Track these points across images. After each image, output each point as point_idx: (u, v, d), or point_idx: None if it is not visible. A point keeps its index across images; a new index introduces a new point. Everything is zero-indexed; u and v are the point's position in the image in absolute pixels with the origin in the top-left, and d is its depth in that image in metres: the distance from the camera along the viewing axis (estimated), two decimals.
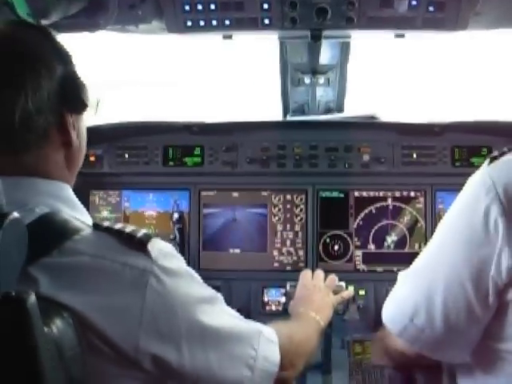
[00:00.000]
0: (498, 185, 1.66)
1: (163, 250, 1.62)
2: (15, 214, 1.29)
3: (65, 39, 1.78)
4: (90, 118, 1.96)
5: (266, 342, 1.83)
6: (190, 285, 1.67)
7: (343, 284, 2.95)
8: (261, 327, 1.87)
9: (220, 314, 1.74)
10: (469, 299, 1.73)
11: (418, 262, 1.92)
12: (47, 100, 1.63)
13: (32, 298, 1.25)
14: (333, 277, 2.88)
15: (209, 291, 1.74)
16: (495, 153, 1.76)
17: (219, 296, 1.78)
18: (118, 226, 1.61)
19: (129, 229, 1.60)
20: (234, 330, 1.75)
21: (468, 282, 1.72)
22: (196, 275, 1.72)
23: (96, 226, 1.60)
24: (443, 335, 1.81)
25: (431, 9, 2.64)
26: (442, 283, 1.77)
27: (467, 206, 1.77)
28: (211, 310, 1.70)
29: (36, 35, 1.72)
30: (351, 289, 3.13)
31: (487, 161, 1.76)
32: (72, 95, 1.70)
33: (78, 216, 1.65)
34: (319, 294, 2.70)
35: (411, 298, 1.87)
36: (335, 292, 2.82)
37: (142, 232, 1.60)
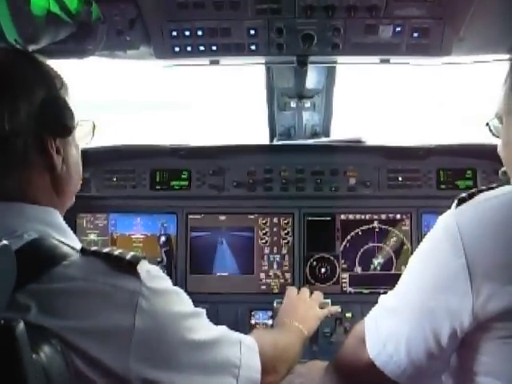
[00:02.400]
0: (464, 235, 1.67)
1: (151, 272, 1.63)
2: (4, 241, 1.30)
3: (71, 63, 1.78)
4: (87, 142, 1.97)
5: (247, 350, 1.87)
6: (177, 302, 1.68)
7: (329, 301, 2.99)
8: (240, 336, 1.91)
9: (205, 327, 1.77)
10: (427, 341, 1.78)
11: (392, 296, 1.97)
12: (26, 122, 1.63)
13: (21, 325, 1.26)
14: (318, 293, 2.93)
15: (193, 307, 1.76)
16: (464, 194, 1.77)
17: (203, 311, 1.80)
18: (106, 249, 1.62)
19: (117, 252, 1.61)
20: (219, 341, 1.78)
21: (427, 327, 1.76)
22: (181, 292, 1.74)
23: (84, 251, 1.60)
24: (408, 366, 1.86)
25: (415, 35, 2.68)
26: (406, 324, 1.83)
27: (432, 251, 1.81)
28: (197, 324, 1.73)
29: (18, 58, 1.74)
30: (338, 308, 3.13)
31: (455, 203, 1.77)
32: (53, 119, 1.70)
33: (67, 241, 1.66)
34: (304, 305, 2.77)
35: (385, 328, 1.92)
36: (321, 308, 2.85)
37: (130, 254, 1.62)
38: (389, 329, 1.90)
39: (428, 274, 1.78)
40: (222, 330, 1.85)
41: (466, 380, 1.82)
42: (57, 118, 1.71)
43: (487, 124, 2.08)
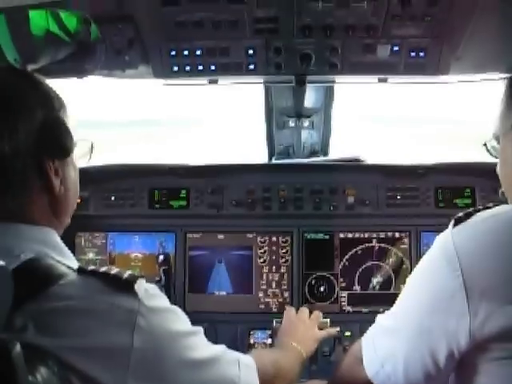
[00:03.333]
0: (461, 256, 1.67)
1: (149, 291, 1.62)
2: (0, 262, 1.29)
3: (70, 83, 1.78)
4: (85, 162, 1.97)
5: (245, 368, 1.86)
6: (175, 321, 1.68)
7: (328, 320, 2.97)
8: (238, 355, 1.91)
9: (204, 346, 1.76)
10: (424, 361, 1.78)
11: (389, 316, 1.97)
12: (25, 144, 1.63)
13: (17, 347, 1.25)
14: (317, 312, 2.92)
15: (191, 326, 1.76)
16: (460, 214, 1.77)
17: (201, 329, 1.79)
18: (103, 268, 1.62)
19: (114, 271, 1.61)
20: (218, 359, 1.77)
21: (424, 347, 1.77)
22: (179, 311, 1.74)
23: (81, 270, 1.60)
24: None
25: (413, 54, 2.68)
26: (403, 344, 1.83)
27: (429, 270, 1.81)
28: (196, 342, 1.72)
29: (18, 79, 1.74)
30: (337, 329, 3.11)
31: (452, 223, 1.76)
32: (53, 141, 1.70)
33: (64, 261, 1.65)
34: (303, 326, 2.76)
35: (383, 347, 1.92)
36: (320, 328, 2.85)
37: (127, 273, 1.61)
38: (386, 348, 1.90)
39: (425, 294, 1.78)
40: (220, 348, 1.84)
41: None
42: (56, 140, 1.71)
43: (485, 144, 2.07)
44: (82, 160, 1.98)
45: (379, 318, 2.04)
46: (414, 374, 1.81)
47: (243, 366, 1.86)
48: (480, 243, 1.68)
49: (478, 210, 1.77)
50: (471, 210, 1.77)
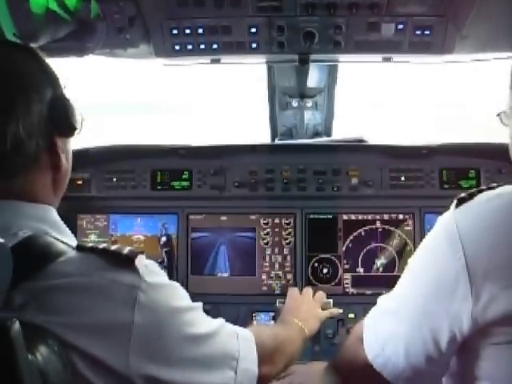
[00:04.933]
0: (463, 237, 1.64)
1: (149, 267, 1.62)
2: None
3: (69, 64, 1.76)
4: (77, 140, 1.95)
5: (244, 341, 1.86)
6: (175, 296, 1.67)
7: (331, 301, 2.98)
8: (236, 328, 1.91)
9: (204, 321, 1.76)
10: (426, 344, 1.75)
11: (390, 298, 1.94)
12: (38, 124, 1.62)
13: (16, 325, 1.23)
14: (321, 293, 2.91)
15: (191, 301, 1.75)
16: (463, 194, 1.73)
17: (201, 304, 1.78)
18: (103, 245, 1.61)
19: (114, 247, 1.60)
20: (218, 333, 1.77)
21: (425, 329, 1.74)
22: (179, 286, 1.73)
23: (80, 247, 1.59)
24: (406, 369, 1.84)
25: (418, 32, 2.66)
26: (404, 326, 1.80)
27: (431, 252, 1.78)
28: (195, 317, 1.72)
29: (25, 57, 1.71)
30: (340, 311, 3.10)
31: (455, 203, 1.73)
32: (61, 119, 1.69)
33: (63, 238, 1.64)
34: (306, 305, 2.76)
35: (383, 329, 1.90)
36: (323, 308, 2.84)
37: (127, 249, 1.60)
38: (387, 331, 1.88)
39: (427, 276, 1.75)
40: (220, 322, 1.84)
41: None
42: (65, 118, 1.71)
43: (499, 114, 2.01)
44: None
45: (381, 299, 2.02)
46: (416, 356, 1.79)
47: (242, 339, 1.86)
48: (483, 224, 1.64)
49: (482, 191, 1.73)
50: (474, 190, 1.74)
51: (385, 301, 1.99)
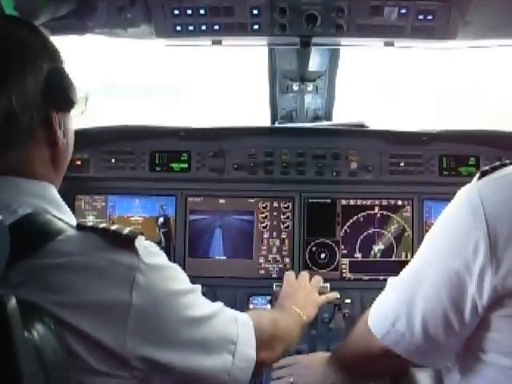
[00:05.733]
0: (486, 205, 1.63)
1: (148, 248, 1.61)
2: None
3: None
4: (79, 118, 1.93)
5: (243, 326, 1.86)
6: (173, 279, 1.67)
7: (328, 285, 2.97)
8: (235, 313, 1.91)
9: (202, 303, 1.75)
10: (446, 314, 1.73)
11: (405, 271, 1.92)
12: (32, 97, 1.59)
13: (12, 301, 1.22)
14: (318, 277, 2.90)
15: (190, 283, 1.74)
16: (486, 167, 1.73)
17: (199, 286, 1.78)
18: (103, 225, 1.60)
19: (114, 227, 1.59)
20: (216, 316, 1.77)
21: (446, 298, 1.72)
22: (178, 268, 1.73)
23: (80, 227, 1.58)
24: (422, 343, 1.82)
25: (421, 17, 2.64)
26: (422, 295, 1.78)
27: (452, 222, 1.76)
28: (194, 300, 1.71)
29: (21, 30, 1.68)
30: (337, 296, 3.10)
31: (477, 175, 1.73)
32: (58, 93, 1.67)
33: (63, 217, 1.63)
34: (304, 291, 2.74)
35: (395, 305, 1.88)
36: (320, 293, 2.83)
37: (127, 230, 1.59)
38: (398, 304, 1.86)
39: (448, 244, 1.72)
40: (218, 306, 1.83)
41: (473, 357, 1.79)
42: (61, 92, 1.68)
43: None
44: (78, 113, 1.94)
45: (389, 279, 2.00)
46: (435, 327, 1.76)
47: (241, 323, 1.85)
48: (506, 195, 1.64)
49: (505, 165, 1.73)
50: (497, 163, 1.74)
51: (393, 279, 1.97)
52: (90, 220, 3.60)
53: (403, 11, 2.62)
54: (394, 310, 1.87)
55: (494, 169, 1.72)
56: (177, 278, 1.69)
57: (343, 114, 4.19)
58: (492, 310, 1.68)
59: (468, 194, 1.71)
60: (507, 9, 2.57)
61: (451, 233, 1.73)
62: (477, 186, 1.70)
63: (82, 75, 1.86)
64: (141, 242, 1.58)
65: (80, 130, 1.90)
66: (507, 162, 1.74)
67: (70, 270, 1.48)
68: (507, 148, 3.46)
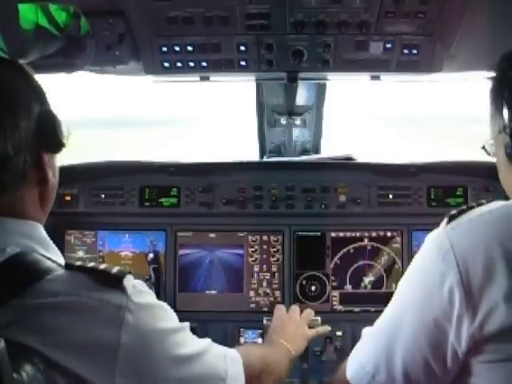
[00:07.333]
0: (456, 250, 1.64)
1: (137, 287, 1.61)
2: None
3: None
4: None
5: (232, 362, 1.86)
6: (162, 317, 1.66)
7: (319, 318, 2.98)
8: (224, 349, 1.91)
9: (191, 341, 1.75)
10: (427, 361, 1.73)
11: (380, 321, 1.92)
12: (25, 140, 1.61)
13: (1, 344, 1.22)
14: (309, 310, 2.91)
15: (178, 322, 1.74)
16: (454, 211, 1.74)
17: (188, 324, 1.77)
18: (91, 264, 1.60)
19: (102, 266, 1.59)
20: (205, 353, 1.77)
21: (426, 346, 1.72)
22: (167, 307, 1.72)
23: (68, 266, 1.58)
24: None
25: (406, 51, 2.67)
26: (401, 344, 1.78)
27: (424, 269, 1.76)
28: (183, 338, 1.71)
29: (12, 73, 1.70)
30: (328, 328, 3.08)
31: (446, 220, 1.73)
32: (49, 135, 1.68)
33: (51, 256, 1.63)
34: (294, 325, 2.75)
35: (372, 356, 1.88)
36: (310, 326, 2.83)
37: (116, 269, 1.59)
38: (376, 356, 1.85)
39: (422, 290, 1.73)
40: (207, 342, 1.83)
41: None
42: (51, 134, 1.70)
43: (483, 147, 2.02)
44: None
45: (364, 330, 2.01)
46: (417, 376, 1.76)
47: (230, 360, 1.86)
48: (477, 239, 1.64)
49: (472, 207, 1.74)
50: (464, 207, 1.75)
51: (370, 329, 1.97)
52: (80, 255, 3.58)
53: (388, 46, 2.66)
54: (373, 361, 1.86)
55: (461, 212, 1.72)
56: (165, 316, 1.69)
57: (331, 147, 4.22)
58: (471, 356, 1.67)
59: (438, 241, 1.71)
60: (490, 41, 2.61)
61: (425, 280, 1.73)
62: (445, 231, 1.70)
63: (63, 110, 1.86)
64: (129, 281, 1.58)
65: (69, 165, 1.91)
66: (473, 204, 1.75)
67: (58, 310, 1.47)
68: (494, 178, 3.48)
